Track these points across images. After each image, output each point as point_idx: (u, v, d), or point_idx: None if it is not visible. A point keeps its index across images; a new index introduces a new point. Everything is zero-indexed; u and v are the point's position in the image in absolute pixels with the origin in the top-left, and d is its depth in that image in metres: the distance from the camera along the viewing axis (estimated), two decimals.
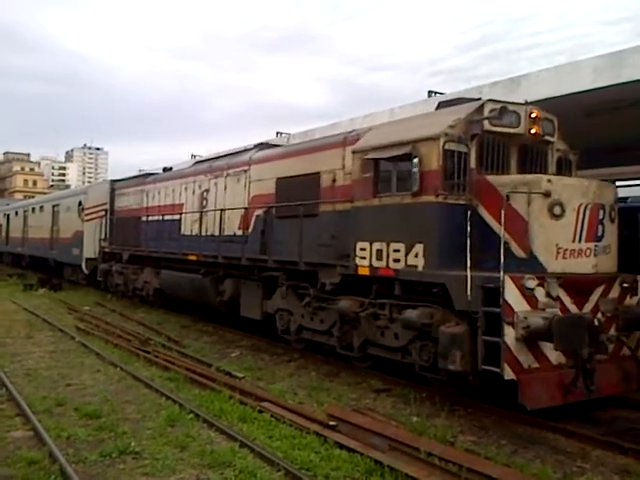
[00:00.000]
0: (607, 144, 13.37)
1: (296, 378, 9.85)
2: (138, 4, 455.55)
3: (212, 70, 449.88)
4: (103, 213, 21.77)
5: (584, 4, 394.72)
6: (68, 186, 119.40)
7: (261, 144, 14.48)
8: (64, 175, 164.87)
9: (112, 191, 21.76)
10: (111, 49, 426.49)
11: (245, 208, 12.74)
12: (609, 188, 8.17)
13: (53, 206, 28.01)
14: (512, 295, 6.98)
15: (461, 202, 7.92)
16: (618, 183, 10.73)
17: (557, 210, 7.47)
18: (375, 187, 8.94)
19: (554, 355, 7.14)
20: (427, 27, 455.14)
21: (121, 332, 13.50)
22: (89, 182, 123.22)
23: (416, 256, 8.11)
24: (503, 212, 7.26)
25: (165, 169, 20.52)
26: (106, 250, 20.93)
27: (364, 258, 8.96)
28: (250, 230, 12.59)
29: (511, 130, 8.39)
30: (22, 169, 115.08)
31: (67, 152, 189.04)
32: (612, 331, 7.75)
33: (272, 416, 7.33)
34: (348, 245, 9.32)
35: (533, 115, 8.44)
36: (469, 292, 7.22)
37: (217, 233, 13.41)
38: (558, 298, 7.34)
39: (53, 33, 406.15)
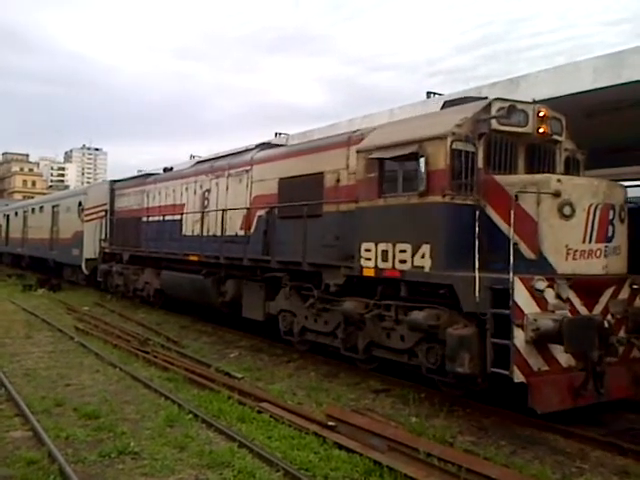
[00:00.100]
0: (607, 145, 13.28)
1: (295, 378, 9.81)
2: (140, 4, 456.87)
3: (213, 70, 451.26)
4: (103, 213, 21.68)
5: (584, 5, 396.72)
6: (67, 187, 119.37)
7: (263, 144, 14.39)
8: (63, 176, 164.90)
9: (112, 191, 21.67)
10: (111, 49, 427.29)
11: (247, 208, 12.63)
12: (619, 188, 8.07)
13: (53, 206, 27.91)
14: (522, 297, 6.87)
15: (469, 202, 7.80)
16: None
17: (567, 210, 7.36)
18: (380, 187, 8.83)
19: (564, 358, 7.04)
20: (426, 27, 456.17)
21: (120, 332, 13.43)
22: (88, 183, 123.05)
23: (423, 257, 7.99)
24: (512, 212, 7.14)
25: (165, 169, 20.44)
26: (106, 251, 20.82)
27: (369, 259, 8.84)
28: (252, 230, 12.49)
29: (519, 129, 8.28)
30: (21, 169, 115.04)
31: (66, 152, 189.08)
32: (622, 333, 7.66)
33: (271, 416, 7.32)
34: (353, 246, 9.21)
35: (541, 114, 8.33)
36: (477, 293, 7.10)
37: (219, 233, 13.30)
38: (568, 300, 7.23)
39: (53, 33, 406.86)
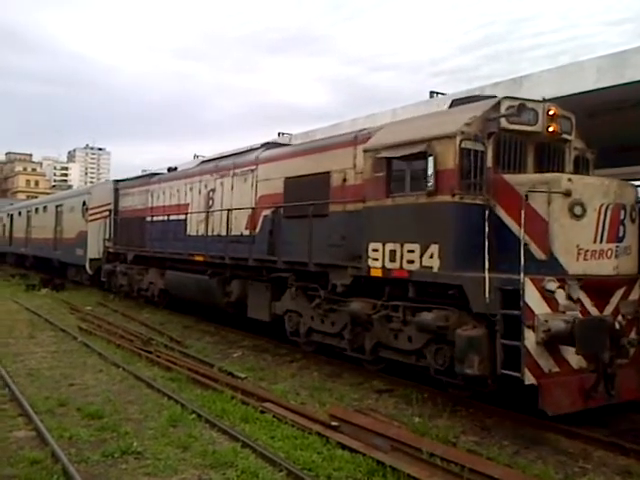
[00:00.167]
0: (610, 144, 13.21)
1: (298, 378, 9.77)
2: (140, 5, 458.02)
3: (213, 70, 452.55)
4: (107, 213, 21.61)
5: (586, 5, 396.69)
6: (70, 186, 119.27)
7: (268, 143, 14.30)
8: (66, 175, 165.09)
9: (116, 191, 21.60)
10: (112, 49, 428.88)
11: (252, 208, 12.56)
12: (629, 188, 7.97)
13: (57, 206, 27.86)
14: (532, 297, 6.78)
15: (478, 202, 7.71)
16: None
17: (578, 210, 7.25)
18: (388, 187, 8.74)
19: (575, 359, 6.95)
20: (429, 27, 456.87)
21: (123, 332, 13.38)
22: (91, 182, 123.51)
23: (431, 257, 7.90)
24: (523, 212, 7.04)
25: (170, 169, 20.34)
26: (110, 250, 20.75)
27: (377, 259, 8.74)
28: (257, 230, 12.41)
29: (528, 128, 8.18)
30: (24, 169, 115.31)
31: (69, 152, 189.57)
32: (633, 334, 7.57)
33: (274, 416, 7.30)
34: (360, 246, 9.12)
35: (551, 112, 8.23)
36: (487, 294, 7.01)
37: (224, 233, 13.23)
38: (579, 300, 7.15)
39: (53, 33, 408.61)
